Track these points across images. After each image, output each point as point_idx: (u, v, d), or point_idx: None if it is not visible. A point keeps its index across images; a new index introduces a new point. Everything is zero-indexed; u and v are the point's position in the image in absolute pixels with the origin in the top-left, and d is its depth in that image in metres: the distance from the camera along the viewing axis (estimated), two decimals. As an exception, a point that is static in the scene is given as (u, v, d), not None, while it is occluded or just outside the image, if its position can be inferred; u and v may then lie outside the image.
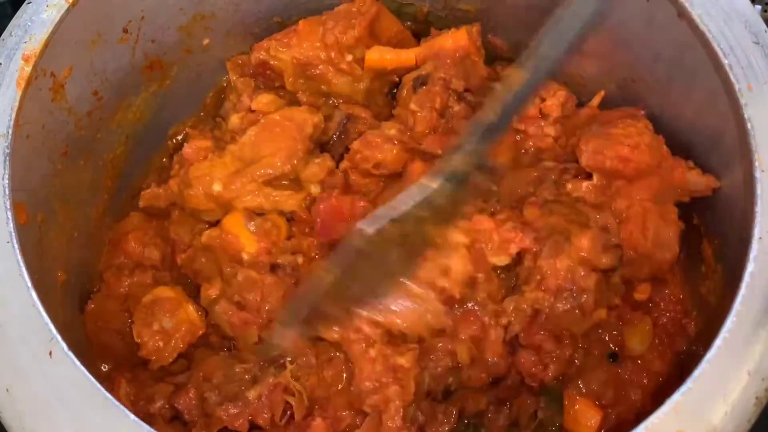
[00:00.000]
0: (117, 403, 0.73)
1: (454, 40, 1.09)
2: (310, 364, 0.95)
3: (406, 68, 1.12)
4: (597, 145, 0.97)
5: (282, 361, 0.96)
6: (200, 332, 1.03)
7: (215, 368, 0.99)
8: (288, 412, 0.95)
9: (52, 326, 0.76)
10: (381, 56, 1.11)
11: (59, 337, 0.75)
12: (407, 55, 1.11)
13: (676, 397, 0.73)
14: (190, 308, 1.04)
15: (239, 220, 1.03)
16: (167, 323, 1.02)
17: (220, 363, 0.99)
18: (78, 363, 0.75)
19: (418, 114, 1.05)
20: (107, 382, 1.00)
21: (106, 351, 1.05)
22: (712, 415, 0.73)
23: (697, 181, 0.96)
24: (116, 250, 1.12)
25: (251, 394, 0.94)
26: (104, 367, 1.03)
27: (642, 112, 1.02)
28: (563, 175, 1.01)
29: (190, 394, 0.97)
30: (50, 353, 0.75)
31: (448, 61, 1.08)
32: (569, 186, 0.98)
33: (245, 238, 1.01)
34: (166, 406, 0.99)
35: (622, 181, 0.97)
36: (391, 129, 1.05)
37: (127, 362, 1.04)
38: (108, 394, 0.73)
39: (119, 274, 1.09)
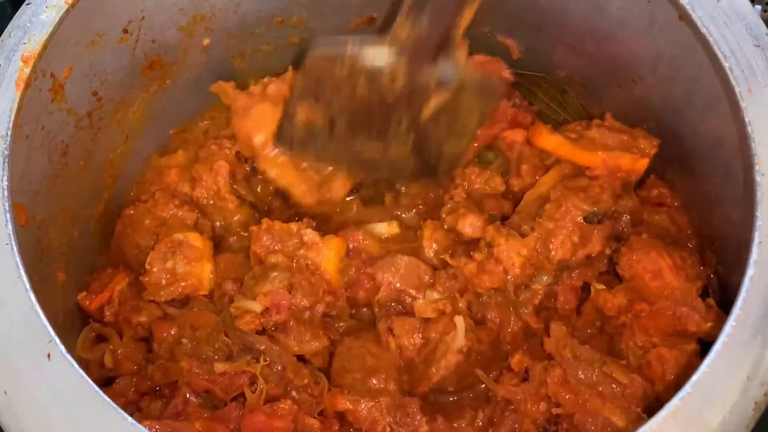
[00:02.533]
0: (115, 405, 0.73)
1: (634, 164, 1.06)
2: (285, 376, 0.97)
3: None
4: (641, 246, 0.99)
5: (259, 356, 0.97)
6: (201, 293, 1.05)
7: (205, 324, 1.01)
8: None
9: (50, 328, 0.76)
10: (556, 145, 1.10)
11: (58, 340, 0.75)
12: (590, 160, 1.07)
13: (675, 401, 0.73)
14: (207, 267, 1.06)
15: None
16: (180, 268, 1.05)
17: (212, 322, 1.01)
18: (76, 365, 0.74)
19: (564, 241, 1.01)
20: (110, 273, 1.07)
21: (120, 256, 1.11)
22: (711, 420, 0.73)
23: (712, 333, 0.92)
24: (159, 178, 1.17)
25: (219, 367, 0.95)
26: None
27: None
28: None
29: (172, 331, 1.01)
30: (48, 356, 0.75)
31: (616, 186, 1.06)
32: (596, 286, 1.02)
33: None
34: (144, 326, 1.03)
35: (644, 305, 0.97)
36: (523, 249, 1.01)
37: (133, 272, 1.08)
38: (106, 397, 0.73)
39: (169, 199, 1.12)
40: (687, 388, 0.73)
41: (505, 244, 1.00)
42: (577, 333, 1.02)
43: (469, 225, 1.05)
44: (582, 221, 1.01)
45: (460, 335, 0.98)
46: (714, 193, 0.97)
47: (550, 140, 1.10)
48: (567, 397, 0.93)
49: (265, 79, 1.16)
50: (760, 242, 0.79)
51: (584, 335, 1.03)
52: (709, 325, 0.93)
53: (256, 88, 1.15)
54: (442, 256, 1.06)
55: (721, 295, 0.97)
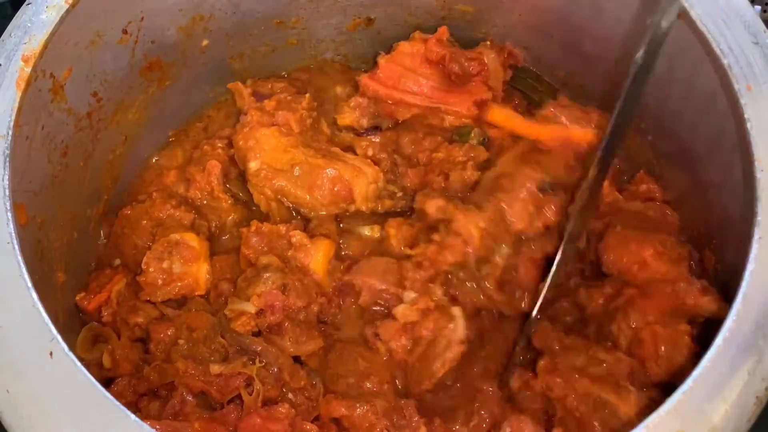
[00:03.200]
0: (117, 403, 0.73)
1: (584, 135, 1.07)
2: (282, 378, 0.97)
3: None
4: (618, 241, 1.00)
5: (255, 358, 0.97)
6: (198, 293, 1.06)
7: (202, 325, 1.01)
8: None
9: (52, 327, 0.76)
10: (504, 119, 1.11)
11: (59, 338, 0.75)
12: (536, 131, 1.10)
13: (677, 396, 0.73)
14: (204, 267, 1.06)
15: None
16: (176, 268, 1.05)
17: (209, 324, 1.02)
18: (78, 363, 0.74)
19: (519, 212, 1.03)
20: (108, 273, 1.08)
21: (118, 256, 1.11)
22: (713, 415, 0.73)
23: (709, 308, 0.93)
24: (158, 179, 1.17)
25: (215, 369, 0.95)
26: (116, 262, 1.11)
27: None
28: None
29: (168, 331, 1.01)
30: (51, 354, 0.74)
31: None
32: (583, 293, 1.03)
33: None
34: (142, 327, 1.03)
35: (635, 290, 0.97)
36: (480, 221, 1.02)
37: (131, 273, 1.08)
38: (108, 394, 0.73)
39: (166, 201, 1.12)
40: (689, 382, 0.74)
41: (463, 218, 1.01)
42: (557, 324, 1.03)
43: (435, 206, 1.05)
44: (536, 190, 1.03)
45: (460, 326, 0.98)
46: (713, 190, 0.97)
47: (499, 114, 1.11)
48: (557, 380, 0.94)
49: (282, 96, 1.17)
50: (760, 237, 0.79)
51: (566, 324, 1.04)
52: (706, 298, 0.93)
53: (270, 103, 1.15)
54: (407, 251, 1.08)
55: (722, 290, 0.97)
